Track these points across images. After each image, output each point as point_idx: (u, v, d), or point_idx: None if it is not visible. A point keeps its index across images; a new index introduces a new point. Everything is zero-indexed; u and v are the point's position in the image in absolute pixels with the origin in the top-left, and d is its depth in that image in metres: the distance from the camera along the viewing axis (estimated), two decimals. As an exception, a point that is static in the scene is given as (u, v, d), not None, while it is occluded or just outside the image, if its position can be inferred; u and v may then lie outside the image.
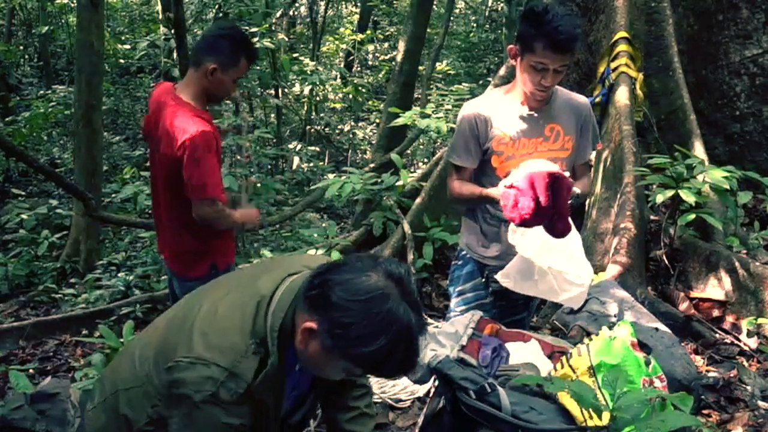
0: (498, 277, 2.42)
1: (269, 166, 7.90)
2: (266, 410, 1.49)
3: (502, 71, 5.31)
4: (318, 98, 10.08)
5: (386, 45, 13.20)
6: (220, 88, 2.70)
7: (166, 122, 2.60)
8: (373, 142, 9.22)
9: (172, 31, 7.10)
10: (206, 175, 2.56)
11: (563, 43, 2.24)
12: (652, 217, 4.52)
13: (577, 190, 2.31)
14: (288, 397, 1.64)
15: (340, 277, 1.37)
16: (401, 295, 1.36)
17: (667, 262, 4.07)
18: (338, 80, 11.33)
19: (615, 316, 2.77)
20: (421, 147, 9.07)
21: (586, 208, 4.48)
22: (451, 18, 11.63)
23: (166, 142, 2.60)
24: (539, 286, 2.36)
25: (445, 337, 2.19)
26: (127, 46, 10.51)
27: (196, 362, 1.40)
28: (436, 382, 2.16)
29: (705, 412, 2.89)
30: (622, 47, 4.77)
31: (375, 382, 3.32)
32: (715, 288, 3.87)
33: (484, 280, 2.63)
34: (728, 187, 3.75)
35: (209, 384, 1.37)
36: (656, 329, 2.87)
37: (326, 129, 10.90)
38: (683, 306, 3.82)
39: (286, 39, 9.92)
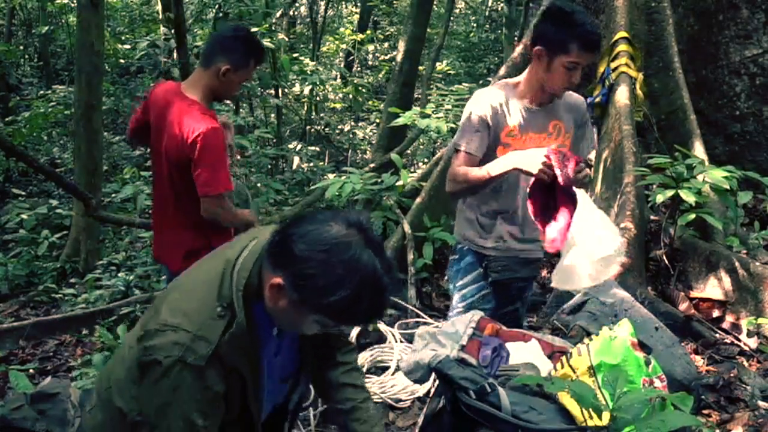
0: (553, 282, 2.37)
1: (269, 166, 7.90)
2: (242, 380, 1.48)
3: (502, 71, 5.31)
4: (318, 98, 10.07)
5: (386, 45, 13.20)
6: (228, 89, 2.73)
7: (174, 121, 2.61)
8: (373, 142, 9.22)
9: (172, 31, 7.10)
10: (216, 172, 2.57)
11: (597, 43, 2.35)
12: (652, 217, 4.52)
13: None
14: (273, 376, 1.63)
15: (300, 229, 1.37)
16: (364, 242, 1.36)
17: (667, 262, 4.07)
18: (338, 80, 11.34)
19: (615, 316, 2.77)
20: (421, 147, 9.06)
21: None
22: (451, 18, 11.63)
23: (174, 140, 2.61)
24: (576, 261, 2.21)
25: (445, 337, 2.19)
26: (127, 46, 10.50)
27: (164, 328, 1.40)
28: (436, 382, 2.16)
29: (705, 412, 2.89)
30: (622, 47, 4.77)
31: (375, 382, 3.32)
32: (715, 288, 3.87)
33: (483, 270, 2.65)
34: (728, 187, 3.75)
35: (176, 349, 1.37)
36: (656, 329, 2.87)
37: (326, 129, 10.89)
38: (683, 306, 3.82)
39: (286, 39, 9.92)
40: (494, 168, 2.40)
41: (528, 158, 2.28)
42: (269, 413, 1.77)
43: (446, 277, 2.79)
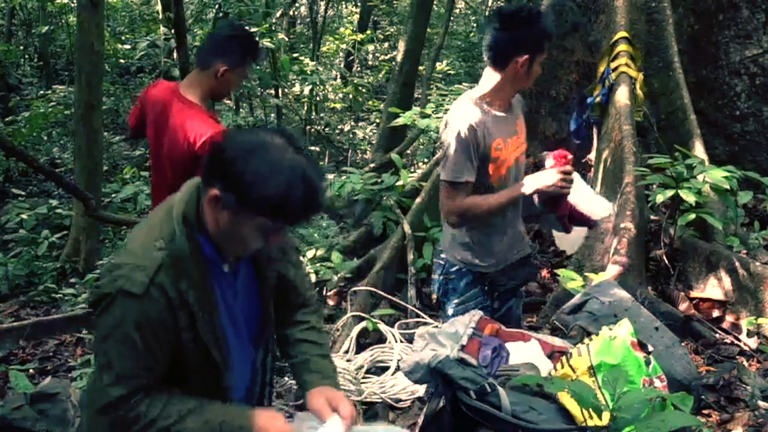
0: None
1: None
2: (192, 314, 1.49)
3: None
4: (318, 98, 10.07)
5: (386, 45, 13.20)
6: (226, 88, 2.74)
7: (177, 123, 2.60)
8: (373, 142, 9.22)
9: (172, 31, 7.10)
10: None
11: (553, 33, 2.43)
12: (652, 217, 4.52)
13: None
14: (238, 325, 1.64)
15: (229, 141, 1.44)
16: (289, 144, 1.42)
17: (667, 262, 4.07)
18: (338, 80, 11.33)
19: (615, 316, 2.77)
20: (421, 147, 9.06)
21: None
22: (451, 18, 11.63)
23: (178, 145, 2.59)
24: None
25: (445, 337, 2.19)
26: (127, 46, 10.50)
27: (111, 267, 1.48)
28: (436, 382, 2.16)
29: (705, 412, 2.89)
30: (622, 47, 4.77)
31: (375, 382, 3.32)
32: (715, 288, 3.87)
33: (484, 287, 2.62)
34: (728, 187, 3.75)
35: (120, 280, 1.43)
36: (656, 329, 2.86)
37: (326, 129, 10.89)
38: (683, 306, 3.82)
39: (286, 39, 9.92)
40: (510, 195, 2.47)
41: (545, 176, 2.38)
42: (248, 386, 1.77)
43: (437, 292, 2.75)
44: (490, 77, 2.46)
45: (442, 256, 2.70)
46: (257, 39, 2.91)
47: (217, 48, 2.68)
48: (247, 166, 1.37)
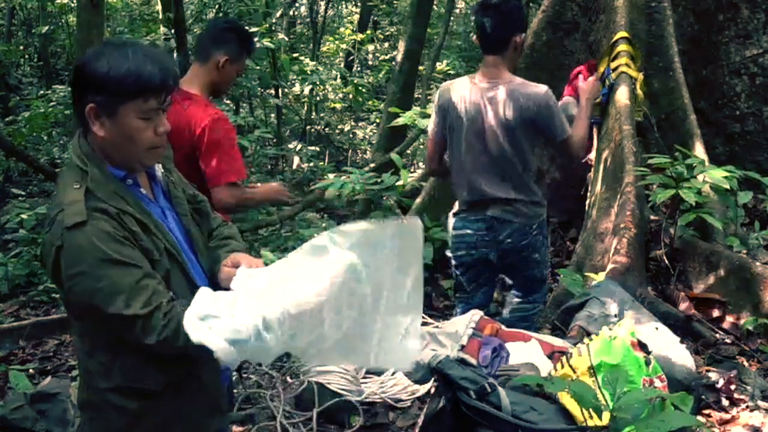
0: None
1: (269, 166, 7.90)
2: (137, 220, 1.54)
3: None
4: (318, 98, 10.08)
5: (386, 45, 13.20)
6: (226, 81, 2.73)
7: (179, 116, 2.59)
8: (373, 142, 9.22)
9: (172, 31, 7.10)
10: (228, 157, 2.53)
11: None
12: (652, 217, 4.52)
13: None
14: (177, 238, 1.67)
15: (81, 60, 1.58)
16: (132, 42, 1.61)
17: (667, 262, 4.07)
18: (338, 80, 11.33)
19: (615, 316, 2.78)
20: (421, 147, 9.05)
21: (586, 208, 4.49)
22: (451, 18, 11.63)
23: (180, 135, 2.57)
24: None
25: (445, 337, 2.19)
26: (127, 46, 10.48)
27: (48, 224, 1.53)
28: (436, 382, 2.16)
29: (705, 412, 2.89)
30: (622, 47, 4.76)
31: (375, 382, 3.32)
32: (715, 288, 3.87)
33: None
34: (728, 187, 3.75)
35: (60, 225, 1.47)
36: (656, 329, 2.86)
37: (326, 129, 10.89)
38: (683, 306, 3.82)
39: (286, 39, 9.93)
40: (586, 116, 3.31)
41: (591, 88, 3.53)
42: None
43: (534, 252, 3.12)
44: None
45: (540, 211, 3.13)
46: (253, 35, 2.93)
47: (215, 40, 2.69)
48: (98, 65, 1.50)
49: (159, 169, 1.73)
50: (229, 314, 1.31)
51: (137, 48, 1.55)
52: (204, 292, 1.41)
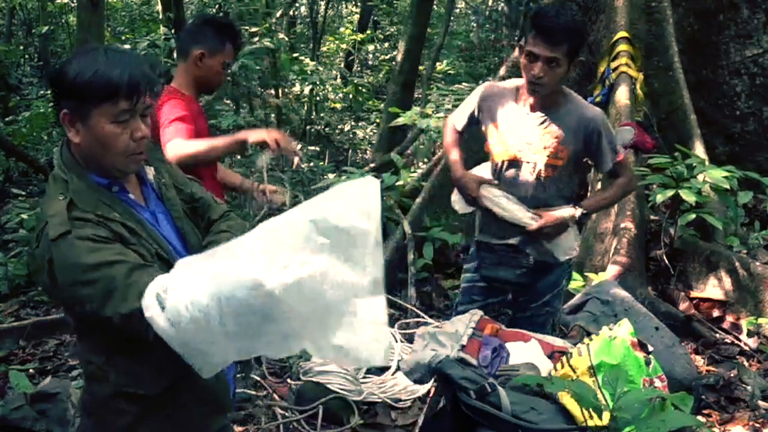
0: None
1: (269, 166, 7.89)
2: (124, 224, 1.53)
3: (502, 71, 5.32)
4: (318, 98, 10.07)
5: (386, 45, 13.19)
6: (210, 74, 2.70)
7: (158, 111, 2.57)
8: (373, 142, 9.22)
9: (172, 31, 7.10)
10: (172, 127, 2.47)
11: (548, 30, 2.41)
12: (652, 217, 4.52)
13: None
14: (169, 239, 1.66)
15: (57, 69, 1.58)
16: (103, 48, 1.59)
17: (667, 262, 4.07)
18: (338, 80, 11.32)
19: (615, 316, 2.78)
20: (421, 147, 9.05)
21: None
22: (451, 18, 11.62)
23: (156, 129, 2.56)
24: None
25: (446, 337, 2.19)
26: (127, 46, 10.50)
27: (34, 238, 1.53)
28: (436, 382, 2.16)
29: (705, 412, 2.89)
30: (623, 47, 4.77)
31: (375, 382, 3.32)
32: (715, 288, 3.87)
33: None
34: (728, 187, 3.76)
35: (46, 237, 1.47)
36: (656, 329, 2.87)
37: (326, 129, 10.88)
38: (683, 306, 3.82)
39: (286, 39, 9.92)
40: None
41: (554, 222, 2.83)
42: None
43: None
44: None
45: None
46: (232, 22, 2.89)
47: (191, 35, 2.70)
48: (68, 70, 1.49)
49: (150, 172, 1.71)
50: (178, 293, 1.27)
51: (109, 52, 1.53)
52: (179, 265, 1.38)
